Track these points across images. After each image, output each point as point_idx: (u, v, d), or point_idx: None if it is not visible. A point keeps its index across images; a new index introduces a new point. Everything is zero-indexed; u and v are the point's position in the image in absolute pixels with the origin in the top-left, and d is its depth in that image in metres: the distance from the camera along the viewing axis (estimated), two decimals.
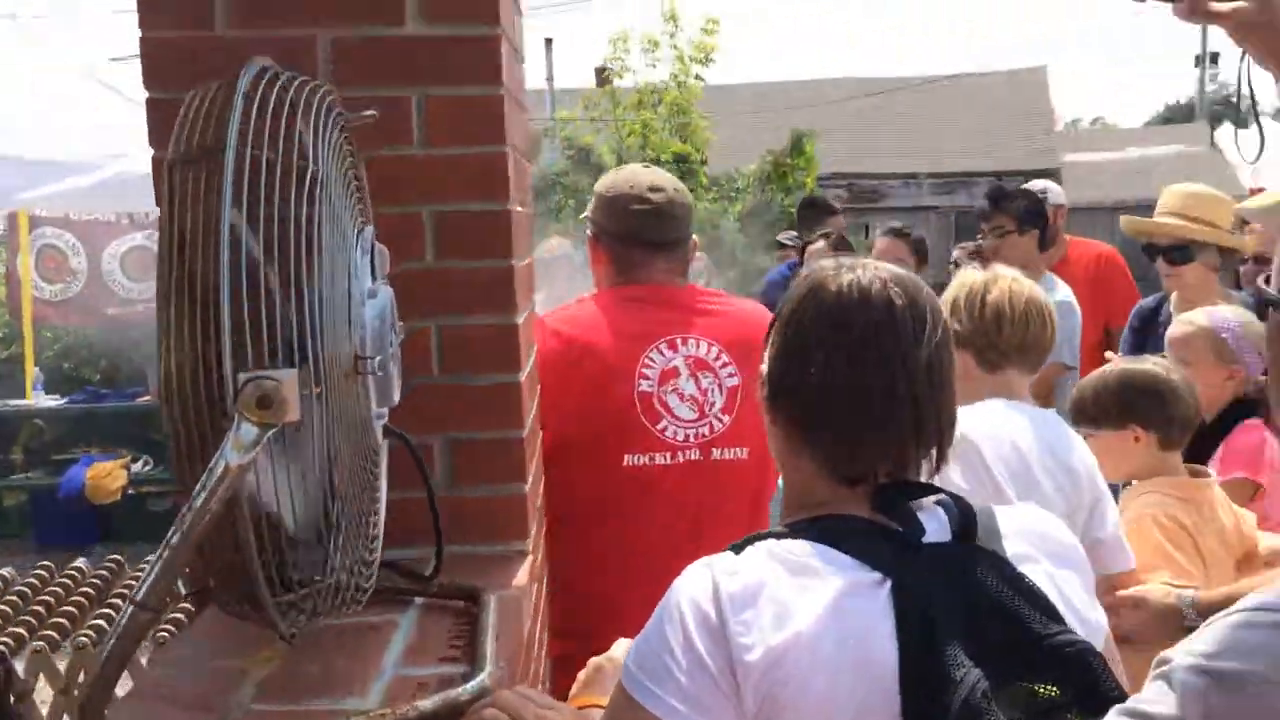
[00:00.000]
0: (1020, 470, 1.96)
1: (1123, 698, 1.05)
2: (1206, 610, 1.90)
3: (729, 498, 2.12)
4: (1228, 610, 0.94)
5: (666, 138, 10.33)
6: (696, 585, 1.14)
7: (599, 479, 2.10)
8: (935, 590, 1.11)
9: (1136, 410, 2.24)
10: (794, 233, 6.10)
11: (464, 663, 1.21)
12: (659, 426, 2.11)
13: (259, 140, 0.98)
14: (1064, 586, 1.22)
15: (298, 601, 1.01)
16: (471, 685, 1.11)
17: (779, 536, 1.18)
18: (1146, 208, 4.14)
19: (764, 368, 1.29)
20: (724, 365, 2.17)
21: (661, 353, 2.15)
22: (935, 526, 1.19)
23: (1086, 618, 1.22)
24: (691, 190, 10.03)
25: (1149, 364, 2.37)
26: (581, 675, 1.42)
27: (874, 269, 1.24)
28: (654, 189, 2.26)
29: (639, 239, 2.25)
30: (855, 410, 1.20)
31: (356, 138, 1.43)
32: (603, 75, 12.53)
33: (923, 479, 1.24)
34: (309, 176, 1.00)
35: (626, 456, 2.09)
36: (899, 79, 22.82)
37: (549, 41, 21.47)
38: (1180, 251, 3.51)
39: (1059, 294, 4.00)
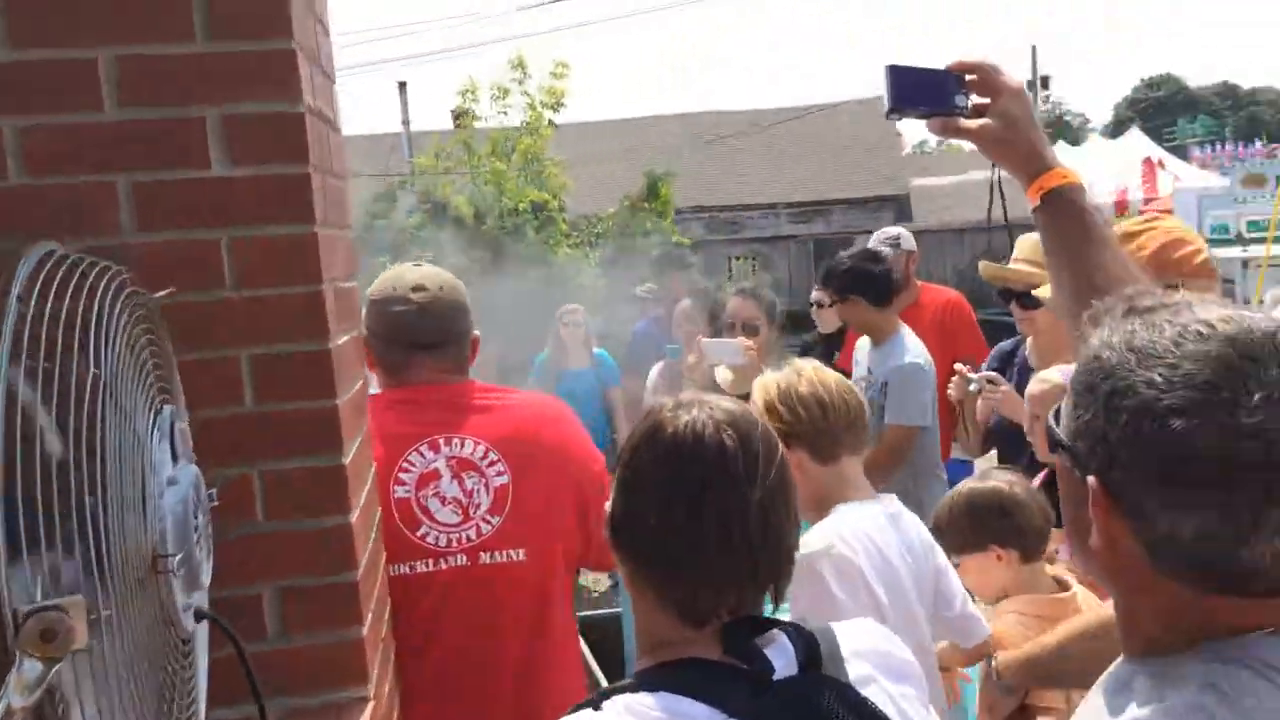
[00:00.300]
0: (888, 575, 2.01)
1: None
2: (1008, 668, 2.06)
3: (507, 602, 2.05)
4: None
5: (522, 185, 10.33)
6: None
7: (386, 584, 2.02)
8: None
9: (989, 530, 2.31)
10: (652, 285, 6.15)
11: None
12: (419, 533, 2.04)
13: (34, 350, 0.93)
14: (902, 703, 1.27)
15: None
16: None
17: (633, 689, 1.19)
18: (991, 229, 4.35)
19: (607, 504, 1.30)
20: (491, 464, 2.10)
21: (422, 454, 2.09)
22: (782, 661, 1.21)
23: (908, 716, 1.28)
24: (551, 238, 10.10)
25: (992, 481, 2.43)
26: None
27: (709, 410, 1.26)
28: (416, 289, 2.21)
29: (400, 340, 2.22)
30: (691, 555, 1.22)
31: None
32: (458, 118, 12.46)
33: (767, 608, 1.28)
34: (89, 384, 0.96)
35: (392, 567, 2.03)
36: (754, 111, 23.34)
37: (403, 85, 21.33)
38: (1031, 298, 3.66)
39: (909, 357, 4.09)
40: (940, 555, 2.18)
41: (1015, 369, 3.75)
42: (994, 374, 3.66)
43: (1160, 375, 0.93)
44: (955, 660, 2.34)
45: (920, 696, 1.32)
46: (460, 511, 2.06)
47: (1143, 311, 1.01)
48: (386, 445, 2.08)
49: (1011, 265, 3.81)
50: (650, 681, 1.19)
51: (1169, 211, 13.74)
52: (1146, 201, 21.41)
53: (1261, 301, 8.51)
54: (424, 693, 2.00)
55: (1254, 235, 14.64)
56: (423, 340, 2.20)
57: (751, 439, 1.25)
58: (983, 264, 4.05)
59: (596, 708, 1.17)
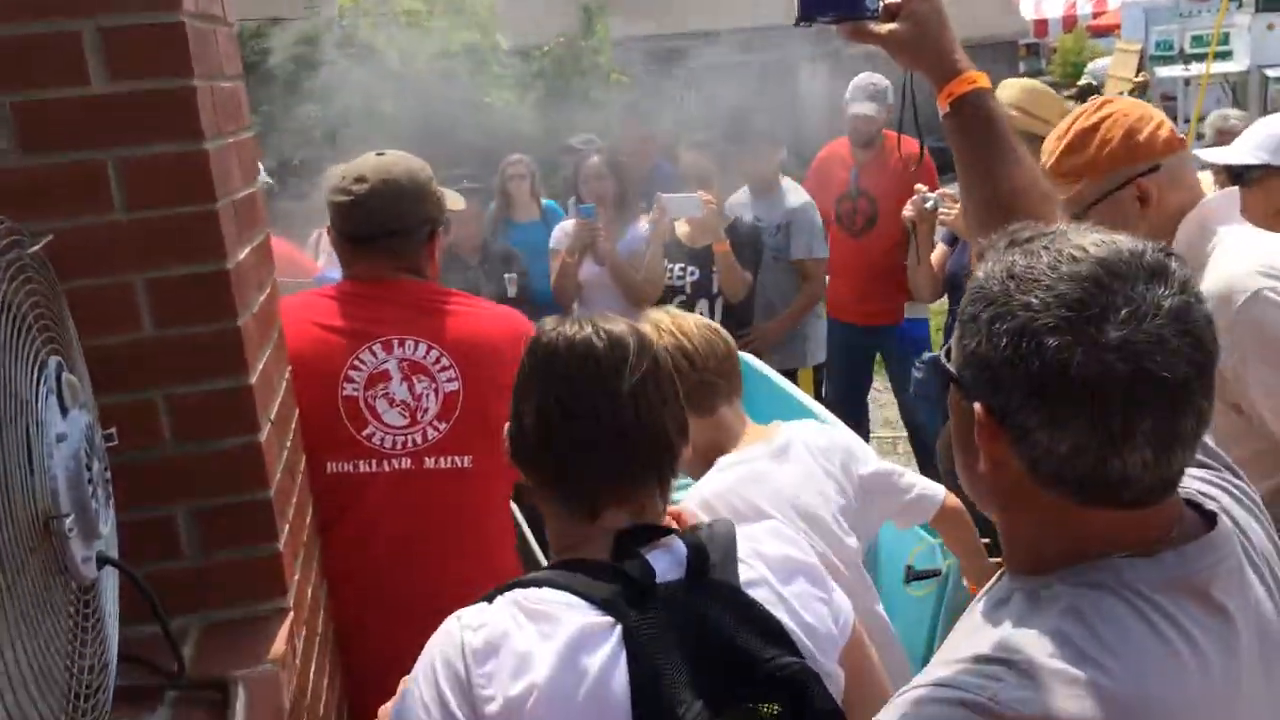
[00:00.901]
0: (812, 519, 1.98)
1: (833, 711, 1.21)
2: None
3: (449, 508, 2.07)
4: (912, 684, 1.03)
5: (452, 27, 9.90)
6: (447, 641, 1.24)
7: (316, 488, 2.02)
8: (664, 630, 1.22)
9: None
10: (589, 136, 6.02)
11: None
12: (365, 433, 2.04)
13: None
14: (794, 602, 1.33)
15: None
16: None
17: (527, 584, 1.28)
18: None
19: (507, 425, 1.40)
20: (443, 369, 2.08)
21: (373, 354, 2.07)
22: (669, 564, 1.29)
23: (819, 625, 1.33)
24: (485, 82, 9.74)
25: None
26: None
27: (585, 323, 1.36)
28: (358, 180, 2.16)
29: (342, 232, 2.19)
30: (570, 453, 1.32)
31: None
32: None
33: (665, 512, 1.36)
34: None
35: (329, 464, 2.04)
36: None
37: None
38: None
39: (802, 198, 4.62)
40: (864, 461, 2.15)
41: None
42: (949, 190, 3.69)
43: (1036, 298, 0.98)
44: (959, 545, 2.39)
45: (819, 593, 1.36)
46: (408, 415, 2.06)
47: (1023, 243, 1.05)
48: (337, 339, 2.07)
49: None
50: (539, 579, 1.28)
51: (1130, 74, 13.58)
52: (1096, 15, 21.12)
53: (1201, 119, 8.49)
54: (360, 579, 2.05)
55: (1196, 51, 14.49)
56: (358, 233, 2.16)
57: (620, 339, 1.33)
58: None
59: (490, 601, 1.27)
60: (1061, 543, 1.04)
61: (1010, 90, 3.76)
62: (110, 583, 1.27)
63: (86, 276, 1.44)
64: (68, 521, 1.06)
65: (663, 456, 1.35)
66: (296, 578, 1.66)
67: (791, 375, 4.43)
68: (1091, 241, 1.01)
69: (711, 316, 4.26)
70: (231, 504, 1.54)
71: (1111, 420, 0.95)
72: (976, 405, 1.02)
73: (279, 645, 1.49)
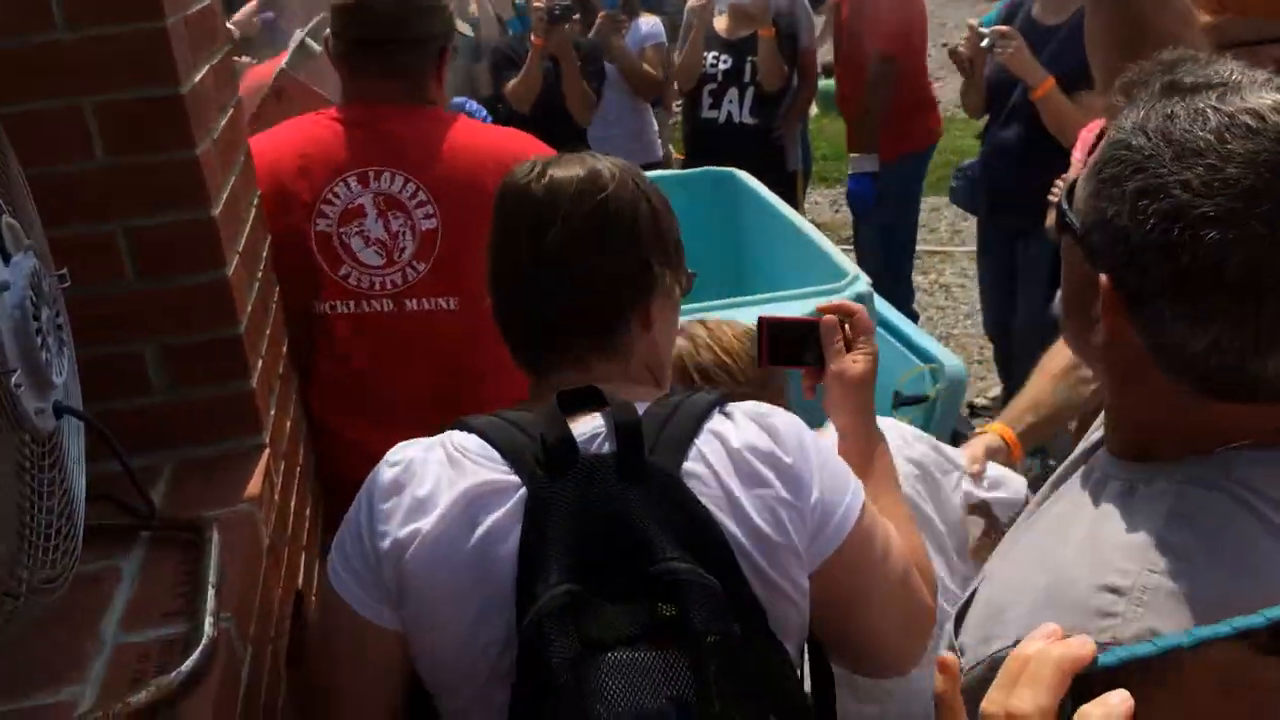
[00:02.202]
0: None
1: (716, 631, 1.07)
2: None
3: (434, 353, 1.98)
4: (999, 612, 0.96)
5: None
6: (373, 473, 1.25)
7: (297, 329, 1.97)
8: (567, 504, 1.14)
9: None
10: None
11: (187, 620, 1.21)
12: (341, 273, 1.95)
13: None
14: (747, 504, 1.18)
15: None
16: (186, 665, 1.11)
17: (464, 427, 1.25)
18: None
19: None
20: (420, 205, 1.95)
21: (348, 187, 1.94)
22: (603, 434, 1.20)
23: (775, 533, 1.18)
24: None
25: None
26: None
27: (547, 163, 1.32)
28: None
29: (341, 37, 2.01)
30: (502, 305, 1.33)
31: None
32: None
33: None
34: None
35: (313, 304, 1.96)
36: None
37: None
38: None
39: None
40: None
41: (1019, 21, 3.63)
42: (1006, 28, 3.54)
43: (1197, 177, 0.84)
44: None
45: (789, 498, 1.20)
46: (384, 254, 1.95)
47: (1185, 91, 0.90)
48: (315, 171, 1.95)
49: None
50: (476, 425, 1.24)
51: None
52: None
53: None
54: (343, 413, 2.02)
55: None
56: (360, 37, 1.97)
57: (559, 184, 1.28)
58: None
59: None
60: (1173, 431, 0.95)
61: None
62: (73, 429, 1.23)
63: (30, 99, 1.35)
64: (14, 377, 1.01)
65: (603, 310, 1.28)
66: (273, 413, 1.63)
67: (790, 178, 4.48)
68: (1271, 105, 0.85)
69: (740, 106, 4.31)
70: (201, 341, 1.49)
71: (1262, 325, 0.85)
72: (1103, 278, 0.91)
73: (255, 484, 1.46)
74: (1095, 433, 1.11)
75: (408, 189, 1.96)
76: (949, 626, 1.07)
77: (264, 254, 1.76)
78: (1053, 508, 1.07)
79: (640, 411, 1.21)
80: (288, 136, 2.02)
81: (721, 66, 4.42)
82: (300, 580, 1.64)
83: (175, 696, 1.09)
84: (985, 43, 3.55)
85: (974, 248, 4.39)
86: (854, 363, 1.47)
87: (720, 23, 4.42)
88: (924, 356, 2.77)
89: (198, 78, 1.48)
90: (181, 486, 1.47)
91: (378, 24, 1.97)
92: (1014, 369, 4.02)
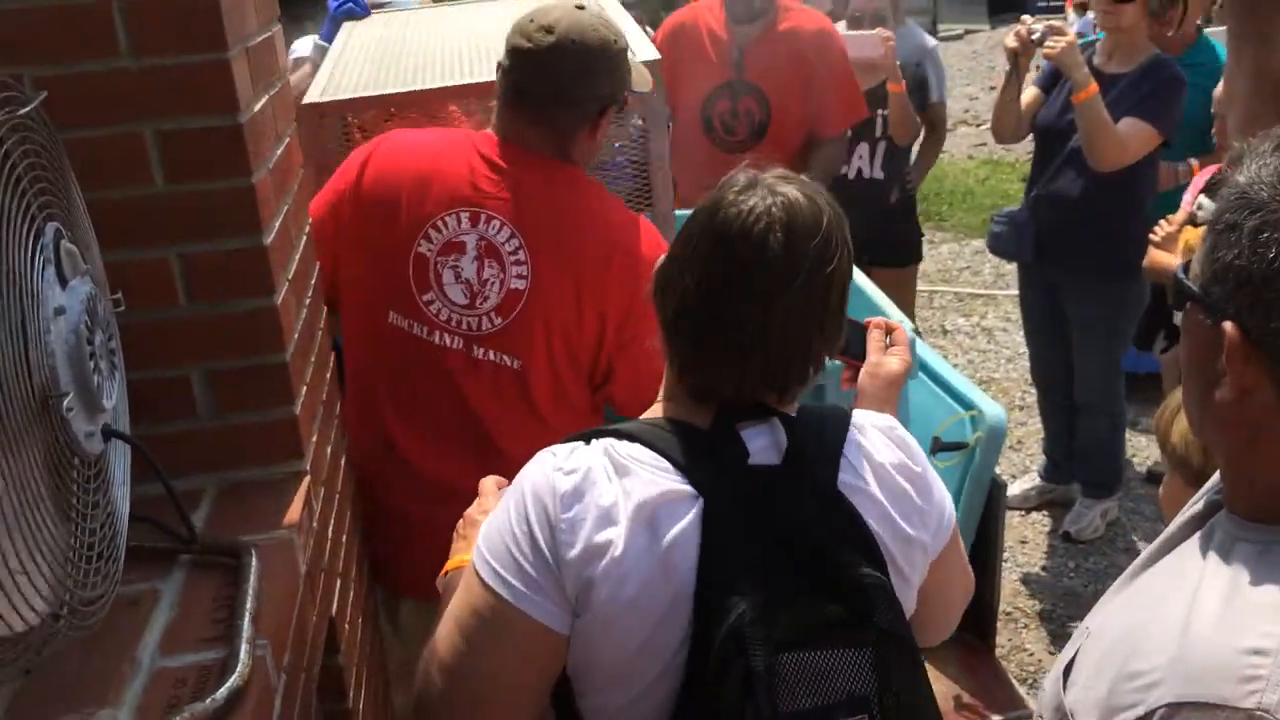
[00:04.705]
0: None
1: (894, 631, 1.16)
2: None
3: (488, 403, 1.99)
4: (1135, 682, 0.95)
5: None
6: (539, 476, 1.24)
7: (370, 331, 2.02)
8: (744, 512, 1.19)
9: None
10: None
11: (224, 645, 1.22)
12: (425, 298, 1.97)
13: None
14: (894, 510, 1.26)
15: (5, 660, 0.99)
16: (221, 693, 1.12)
17: (619, 435, 1.25)
18: None
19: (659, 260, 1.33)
20: (516, 263, 1.95)
21: (458, 220, 1.95)
22: (766, 445, 1.25)
23: (917, 537, 1.28)
24: None
25: None
26: (459, 526, 1.51)
27: (773, 198, 1.23)
28: (546, 29, 1.92)
29: (506, 79, 2.00)
30: (703, 339, 1.25)
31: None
32: None
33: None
34: None
35: (391, 314, 1.99)
36: None
37: None
38: None
39: (922, 37, 4.30)
40: None
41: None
42: (1058, 23, 3.50)
43: None
44: None
45: (922, 504, 1.30)
46: (468, 295, 1.96)
47: None
48: (436, 193, 1.96)
49: None
50: (632, 432, 1.25)
51: None
52: None
53: None
54: (382, 436, 2.04)
55: None
56: (516, 85, 1.97)
57: (799, 241, 1.21)
58: None
59: (587, 443, 1.25)
60: None
61: None
62: (119, 452, 1.25)
63: (93, 126, 1.37)
64: (66, 400, 1.03)
65: (794, 371, 1.26)
66: (314, 439, 1.64)
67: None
68: None
69: (871, 161, 4.15)
70: (247, 367, 1.51)
71: None
72: (1227, 325, 0.93)
73: (295, 510, 1.48)
74: (1195, 505, 1.11)
75: (511, 244, 1.96)
76: (1048, 688, 1.08)
77: (313, 281, 1.78)
78: (1165, 570, 1.07)
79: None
80: (426, 149, 2.03)
81: None
82: (335, 608, 1.65)
83: None
84: (1037, 36, 3.51)
85: (1017, 292, 4.35)
86: (890, 360, 1.65)
87: None
88: (964, 403, 2.74)
89: (257, 108, 1.50)
90: (222, 511, 1.49)
91: (546, 78, 1.95)
92: (1064, 417, 3.98)
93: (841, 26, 4.00)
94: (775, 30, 3.57)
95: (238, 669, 1.15)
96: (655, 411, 1.32)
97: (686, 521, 1.18)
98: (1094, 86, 3.35)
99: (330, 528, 1.70)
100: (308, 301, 1.72)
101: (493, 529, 1.26)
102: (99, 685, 1.17)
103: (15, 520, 0.96)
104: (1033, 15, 3.78)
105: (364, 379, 2.08)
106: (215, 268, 1.47)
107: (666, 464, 1.21)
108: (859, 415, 1.33)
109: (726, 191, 1.26)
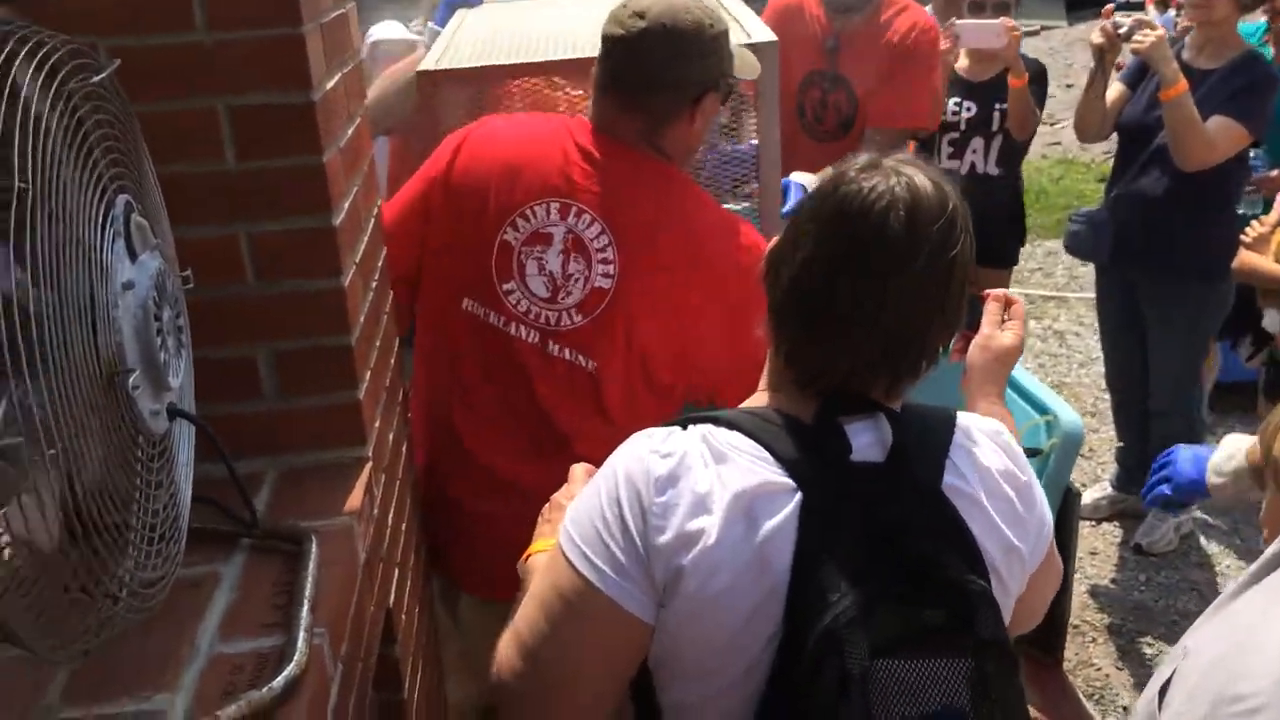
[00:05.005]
0: None
1: (995, 640, 1.11)
2: None
3: (562, 399, 1.93)
4: None
5: None
6: (633, 460, 1.19)
7: (443, 315, 1.98)
8: (844, 509, 1.13)
9: None
10: None
11: (282, 632, 1.19)
12: (505, 286, 1.92)
13: None
14: (998, 517, 1.21)
15: (64, 642, 0.97)
16: (279, 682, 1.09)
17: (718, 422, 1.20)
18: None
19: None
20: (604, 261, 1.89)
21: (547, 211, 1.89)
22: (869, 442, 1.19)
23: (1021, 546, 1.23)
24: None
25: None
26: (545, 510, 1.48)
27: (896, 178, 1.17)
28: (638, 14, 1.87)
29: (600, 67, 1.95)
30: (815, 321, 1.20)
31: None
32: None
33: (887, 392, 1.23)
34: (15, 200, 0.87)
35: (465, 299, 1.94)
36: None
37: None
38: None
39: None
40: None
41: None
42: (1145, 16, 3.38)
43: None
44: None
45: (1025, 513, 1.25)
46: (550, 288, 1.90)
47: None
48: (527, 181, 1.91)
49: None
50: (733, 421, 1.20)
51: None
52: None
53: None
54: (448, 424, 2.01)
55: None
56: (609, 72, 1.92)
57: (922, 225, 1.16)
58: None
59: (684, 428, 1.21)
60: None
61: None
62: (183, 432, 1.22)
63: (166, 99, 1.35)
64: (133, 377, 1.00)
65: (907, 361, 1.20)
66: (377, 424, 1.61)
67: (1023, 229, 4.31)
68: None
69: (986, 156, 4.00)
70: (312, 348, 1.48)
71: None
72: None
73: (356, 497, 1.45)
74: None
75: (600, 240, 1.90)
76: (1141, 709, 1.03)
77: (379, 264, 1.76)
78: (1267, 591, 1.04)
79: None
80: (520, 135, 1.98)
81: (965, 114, 3.99)
82: (392, 598, 1.62)
83: (267, 712, 1.07)
84: (1124, 30, 3.40)
85: (1091, 294, 4.23)
86: (1004, 332, 1.63)
87: (962, 64, 3.98)
88: (1039, 408, 2.66)
89: (329, 85, 1.47)
90: (282, 495, 1.46)
91: (637, 64, 1.89)
92: (1138, 424, 3.86)
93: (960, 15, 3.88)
94: (874, 23, 3.47)
95: (295, 657, 1.12)
96: (756, 401, 1.27)
97: (784, 515, 1.13)
98: (1183, 83, 3.23)
99: (390, 515, 1.67)
100: (374, 285, 1.69)
101: (581, 511, 1.21)
102: (157, 669, 1.15)
103: (80, 494, 0.94)
104: (1115, 8, 3.64)
105: (432, 365, 2.05)
106: (283, 246, 1.44)
107: (766, 454, 1.16)
108: (965, 417, 1.28)
109: (848, 169, 1.20)
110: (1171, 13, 6.56)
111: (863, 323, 1.17)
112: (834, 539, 1.11)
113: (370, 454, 1.54)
